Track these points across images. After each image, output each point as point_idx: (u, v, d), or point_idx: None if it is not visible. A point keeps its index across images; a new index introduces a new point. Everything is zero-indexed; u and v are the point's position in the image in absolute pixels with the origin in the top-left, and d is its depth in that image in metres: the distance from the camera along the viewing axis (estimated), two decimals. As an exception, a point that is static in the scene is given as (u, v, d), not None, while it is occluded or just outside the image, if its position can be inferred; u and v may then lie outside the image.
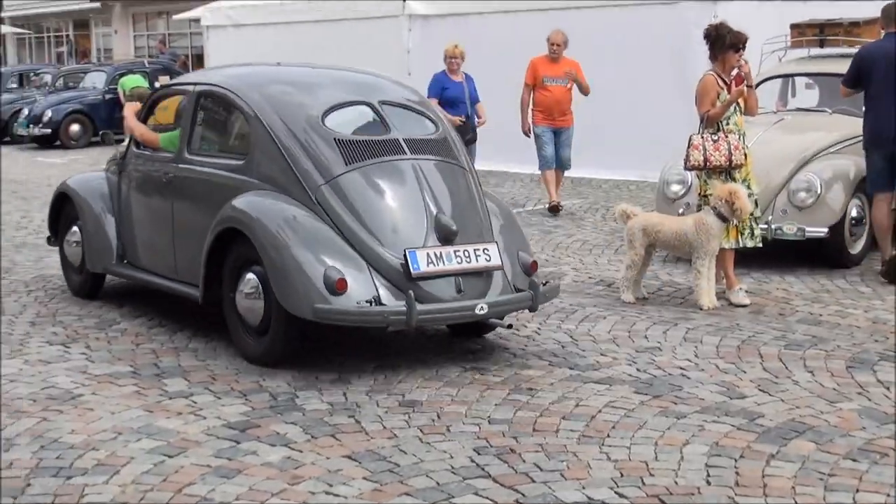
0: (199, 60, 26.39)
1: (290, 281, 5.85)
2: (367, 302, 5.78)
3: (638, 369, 5.98)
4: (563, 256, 9.33)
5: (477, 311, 5.88)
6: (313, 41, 17.05)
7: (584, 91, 11.55)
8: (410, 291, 5.72)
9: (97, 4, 39.11)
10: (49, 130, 21.17)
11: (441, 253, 5.92)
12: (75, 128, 21.30)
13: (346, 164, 6.13)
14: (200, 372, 6.03)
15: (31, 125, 21.27)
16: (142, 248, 7.43)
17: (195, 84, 7.18)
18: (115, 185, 7.75)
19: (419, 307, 5.70)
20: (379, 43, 16.27)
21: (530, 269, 6.32)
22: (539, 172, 11.99)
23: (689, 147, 7.54)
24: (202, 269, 6.44)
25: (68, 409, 5.42)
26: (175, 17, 29.43)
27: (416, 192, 6.12)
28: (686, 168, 7.75)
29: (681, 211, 8.50)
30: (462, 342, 6.59)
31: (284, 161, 6.22)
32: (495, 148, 12.26)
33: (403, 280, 5.83)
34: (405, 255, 5.86)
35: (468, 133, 10.96)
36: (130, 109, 7.94)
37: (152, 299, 7.45)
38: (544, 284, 6.37)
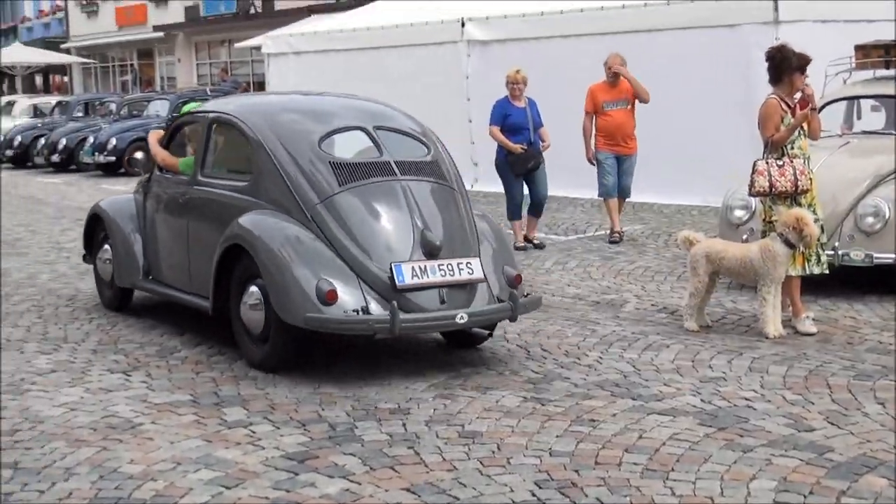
0: (260, 87, 26.63)
1: (285, 292, 6.31)
2: (354, 311, 6.19)
3: (702, 400, 5.86)
4: (624, 283, 9.21)
5: (457, 321, 6.27)
6: (372, 68, 17.14)
7: (643, 97, 11.25)
8: (394, 301, 6.12)
9: (161, 34, 39.79)
10: (113, 158, 21.48)
11: (425, 266, 6.34)
12: (139, 155, 21.56)
13: (340, 185, 6.58)
14: (260, 401, 6.03)
15: (97, 153, 21.60)
16: (164, 264, 7.98)
17: (208, 112, 7.67)
18: (142, 206, 8.29)
19: (403, 316, 6.11)
20: (438, 69, 16.31)
21: (514, 281, 6.68)
22: (600, 198, 11.83)
23: (753, 173, 7.41)
24: (211, 282, 6.95)
25: (128, 438, 5.43)
26: (237, 45, 29.81)
27: (404, 210, 6.54)
28: (751, 194, 7.61)
29: (745, 237, 8.35)
30: (524, 370, 6.51)
31: (284, 182, 6.69)
32: (556, 173, 12.15)
33: (390, 291, 6.24)
34: (391, 269, 6.25)
35: (531, 160, 10.84)
36: (154, 136, 8.43)
37: (211, 326, 7.46)
38: (525, 296, 6.78)
